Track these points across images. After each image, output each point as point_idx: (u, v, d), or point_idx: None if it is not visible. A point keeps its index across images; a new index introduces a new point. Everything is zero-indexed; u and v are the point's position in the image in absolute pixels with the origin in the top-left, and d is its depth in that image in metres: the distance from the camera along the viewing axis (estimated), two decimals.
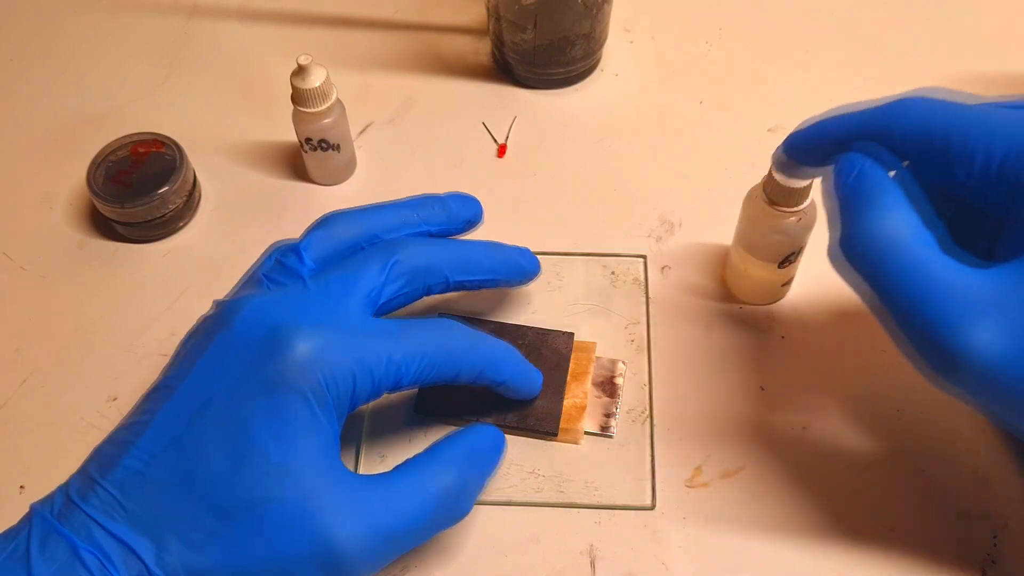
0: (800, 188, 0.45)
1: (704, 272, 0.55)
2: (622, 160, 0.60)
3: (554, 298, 0.53)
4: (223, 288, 0.55)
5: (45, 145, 0.62)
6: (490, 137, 0.62)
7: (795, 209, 0.46)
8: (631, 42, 0.67)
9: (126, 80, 0.66)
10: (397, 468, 0.40)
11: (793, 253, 0.49)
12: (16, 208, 0.59)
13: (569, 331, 0.51)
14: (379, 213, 0.45)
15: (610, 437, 0.48)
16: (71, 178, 0.60)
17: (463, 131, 0.62)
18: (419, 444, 0.48)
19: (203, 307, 0.54)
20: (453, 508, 0.40)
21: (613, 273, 0.54)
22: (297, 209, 0.58)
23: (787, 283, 0.52)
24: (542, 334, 0.50)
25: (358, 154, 0.61)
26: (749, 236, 0.49)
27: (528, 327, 0.51)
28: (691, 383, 0.50)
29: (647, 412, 0.49)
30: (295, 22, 0.69)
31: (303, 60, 0.52)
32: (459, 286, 0.45)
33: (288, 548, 0.35)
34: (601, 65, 0.66)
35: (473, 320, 0.51)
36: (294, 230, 0.58)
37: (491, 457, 0.42)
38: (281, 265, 0.43)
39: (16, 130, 0.63)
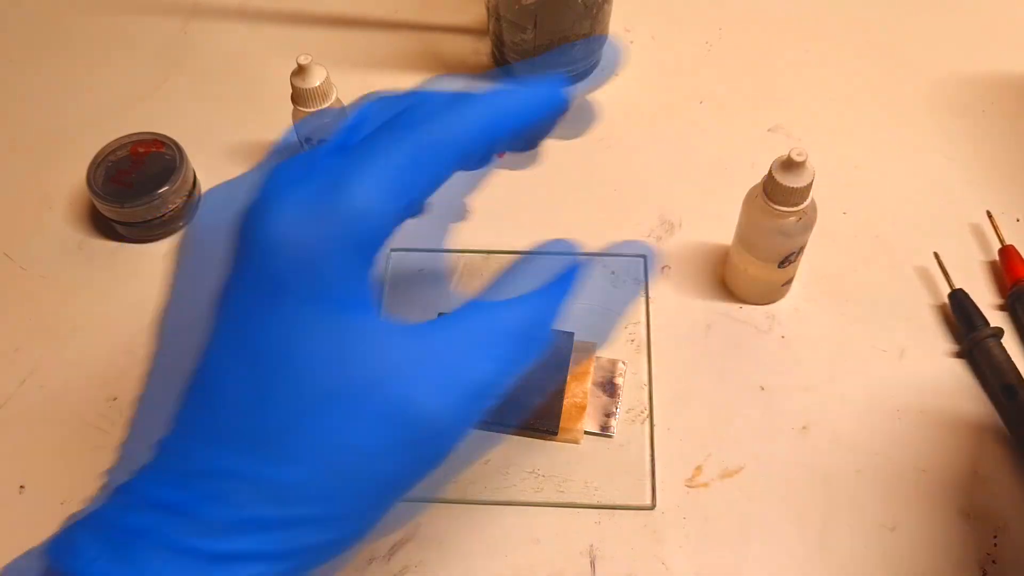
0: (800, 188, 0.45)
1: (704, 272, 0.55)
2: (622, 160, 0.60)
3: None
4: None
5: (45, 145, 0.62)
6: None
7: (795, 209, 0.46)
8: (631, 42, 0.67)
9: (126, 80, 0.66)
10: (462, 308, 0.33)
11: (793, 253, 0.49)
12: (16, 208, 0.59)
13: (569, 331, 0.51)
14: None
15: (610, 437, 0.48)
16: (71, 178, 0.60)
17: None
18: None
19: (201, 308, 0.54)
20: (534, 341, 0.34)
21: (613, 273, 0.54)
22: None
23: (787, 283, 0.52)
24: None
25: None
26: (749, 236, 0.49)
27: None
28: (691, 383, 0.50)
29: (647, 412, 0.49)
30: (295, 22, 0.69)
31: (303, 60, 0.52)
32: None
33: (373, 430, 0.30)
34: (601, 65, 0.65)
35: None
36: None
37: (565, 278, 0.37)
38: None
39: (16, 130, 0.63)
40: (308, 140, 0.56)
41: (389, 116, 0.33)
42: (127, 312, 0.54)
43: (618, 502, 0.46)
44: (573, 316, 0.51)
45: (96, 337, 0.53)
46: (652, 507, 0.46)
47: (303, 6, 0.70)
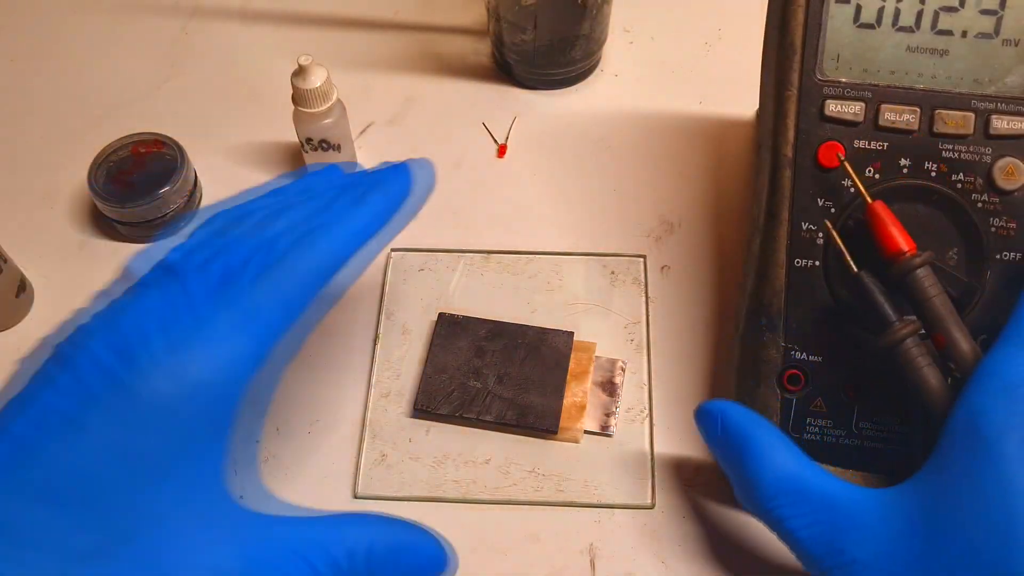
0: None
1: (704, 272, 0.55)
2: (622, 160, 0.60)
3: (554, 298, 0.53)
4: None
5: (45, 145, 0.63)
6: (490, 137, 0.62)
7: None
8: (631, 42, 0.67)
9: (127, 80, 0.66)
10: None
11: None
12: (16, 208, 0.59)
13: (569, 330, 0.51)
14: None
15: (609, 436, 0.48)
16: (72, 178, 0.60)
17: (463, 131, 0.62)
18: (420, 444, 0.48)
19: None
20: None
21: (613, 273, 0.54)
22: None
23: None
24: (542, 333, 0.51)
25: (358, 154, 0.61)
26: None
27: (528, 326, 0.51)
28: (691, 382, 0.51)
29: (647, 411, 0.49)
30: (295, 22, 0.70)
31: (304, 60, 0.52)
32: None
33: None
34: (601, 65, 0.66)
35: (471, 320, 0.51)
36: None
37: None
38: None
39: (16, 130, 0.63)
40: (309, 140, 0.56)
41: (238, 239, 0.34)
42: None
43: (618, 501, 0.47)
44: (571, 317, 0.52)
45: None
46: (652, 506, 0.46)
47: (303, 6, 0.70)
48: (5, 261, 0.52)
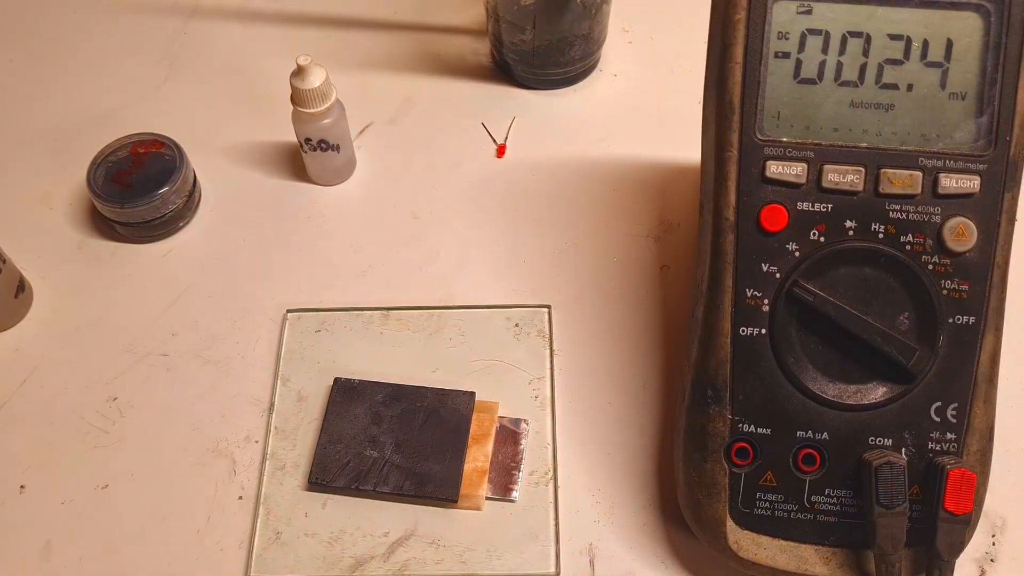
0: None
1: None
2: (621, 160, 0.60)
3: (456, 354, 0.51)
4: (223, 288, 0.55)
5: (45, 145, 0.63)
6: (489, 138, 0.62)
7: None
8: (630, 42, 0.67)
9: (126, 80, 0.66)
10: None
11: None
12: (16, 208, 0.59)
13: (470, 390, 0.49)
14: None
15: (512, 502, 0.46)
16: (71, 178, 0.60)
17: (462, 131, 0.62)
18: (316, 519, 0.46)
19: (203, 307, 0.54)
20: None
21: (517, 325, 0.52)
22: (297, 210, 0.58)
23: None
24: (441, 395, 0.49)
25: (358, 154, 0.61)
26: None
27: (427, 388, 0.49)
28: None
29: (551, 473, 0.47)
30: (295, 22, 0.70)
31: (302, 60, 0.52)
32: None
33: None
34: (600, 65, 0.66)
35: (368, 384, 0.49)
36: (293, 230, 0.58)
37: None
38: None
39: (16, 130, 0.63)
40: (308, 140, 0.56)
41: None
42: (127, 312, 0.54)
43: (521, 571, 0.45)
44: (474, 374, 0.50)
45: (96, 337, 0.53)
46: (556, 575, 0.45)
47: (303, 6, 0.70)
48: (4, 261, 0.52)
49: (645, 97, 0.64)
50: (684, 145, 0.61)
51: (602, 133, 0.62)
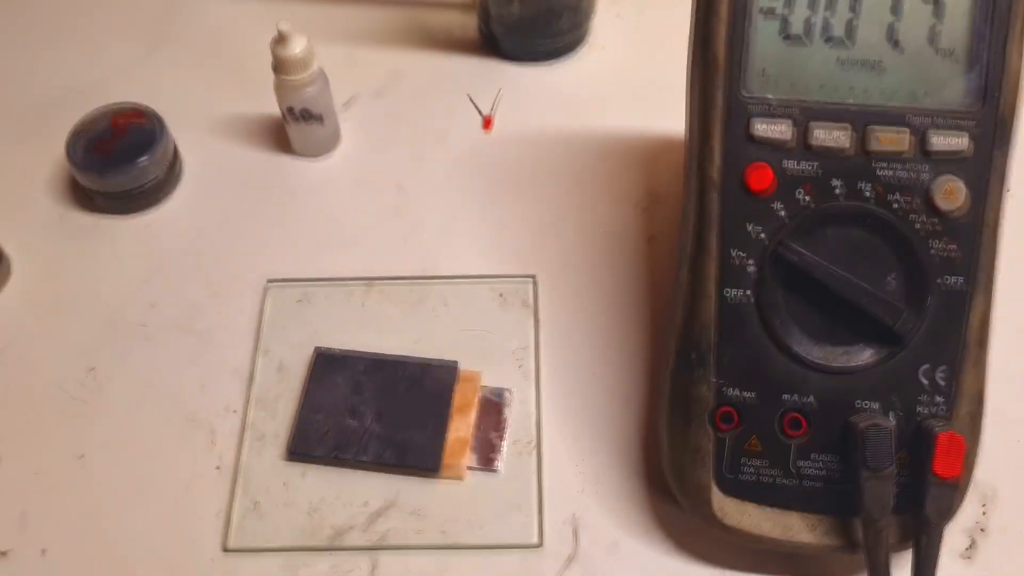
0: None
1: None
2: (609, 132, 0.60)
3: (440, 325, 0.51)
4: (204, 260, 0.55)
5: (26, 118, 0.62)
6: (476, 111, 0.61)
7: None
8: (618, 15, 0.67)
9: (110, 54, 0.65)
10: None
11: None
12: None
13: (453, 360, 0.48)
14: None
15: (495, 472, 0.46)
16: (51, 151, 0.59)
17: (450, 105, 0.62)
18: (295, 489, 0.46)
19: (184, 278, 0.54)
20: None
21: (501, 296, 0.52)
22: (280, 182, 0.58)
23: None
24: (424, 365, 0.48)
25: (343, 127, 0.60)
26: None
27: (409, 358, 0.48)
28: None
29: (534, 443, 0.47)
30: None
31: (283, 27, 0.51)
32: None
33: None
34: (588, 39, 0.65)
35: (350, 355, 0.49)
36: (277, 202, 0.57)
37: None
38: None
39: None
40: (290, 110, 0.55)
41: None
42: (106, 284, 0.53)
43: (504, 541, 0.44)
44: (458, 343, 0.50)
45: (75, 308, 0.52)
46: (539, 545, 0.44)
47: None
48: None
49: (633, 70, 0.63)
50: (673, 117, 0.60)
51: (590, 106, 0.61)
